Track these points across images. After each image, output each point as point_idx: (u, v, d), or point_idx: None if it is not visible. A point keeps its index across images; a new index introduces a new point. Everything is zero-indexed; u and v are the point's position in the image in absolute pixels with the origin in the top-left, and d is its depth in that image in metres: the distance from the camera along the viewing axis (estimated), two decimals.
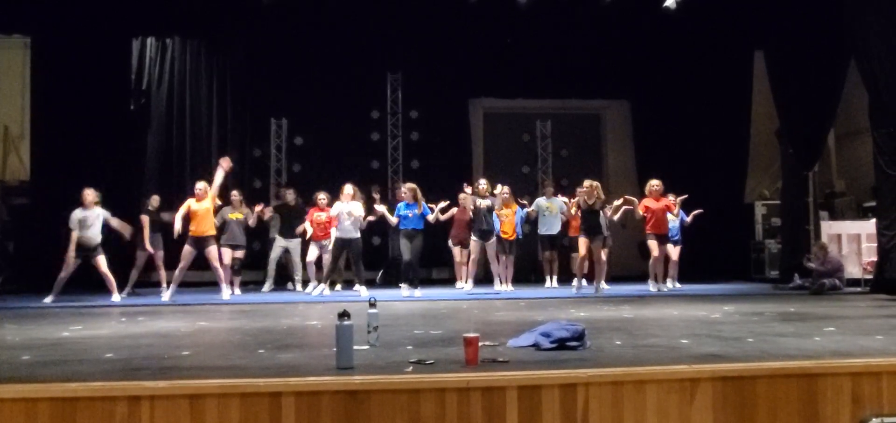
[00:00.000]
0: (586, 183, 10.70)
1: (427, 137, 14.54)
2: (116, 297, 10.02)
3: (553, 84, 14.39)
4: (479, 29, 13.30)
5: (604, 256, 10.87)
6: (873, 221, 10.71)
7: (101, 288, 10.80)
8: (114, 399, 3.49)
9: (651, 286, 10.96)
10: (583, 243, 10.68)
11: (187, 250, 10.09)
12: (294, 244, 11.76)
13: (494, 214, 10.96)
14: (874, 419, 3.74)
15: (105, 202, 11.20)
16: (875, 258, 10.42)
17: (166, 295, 10.13)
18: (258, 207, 11.39)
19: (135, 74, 13.74)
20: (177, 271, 10.13)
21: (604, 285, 10.93)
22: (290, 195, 11.91)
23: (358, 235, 10.65)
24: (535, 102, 15.07)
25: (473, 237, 10.88)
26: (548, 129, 15.25)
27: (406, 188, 10.78)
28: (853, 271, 11.42)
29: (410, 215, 10.51)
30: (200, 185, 10.33)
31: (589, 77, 14.41)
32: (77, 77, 12.40)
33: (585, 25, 13.38)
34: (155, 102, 13.99)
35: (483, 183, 11.05)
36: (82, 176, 10.63)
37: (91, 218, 9.96)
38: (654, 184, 11.22)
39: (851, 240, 11.71)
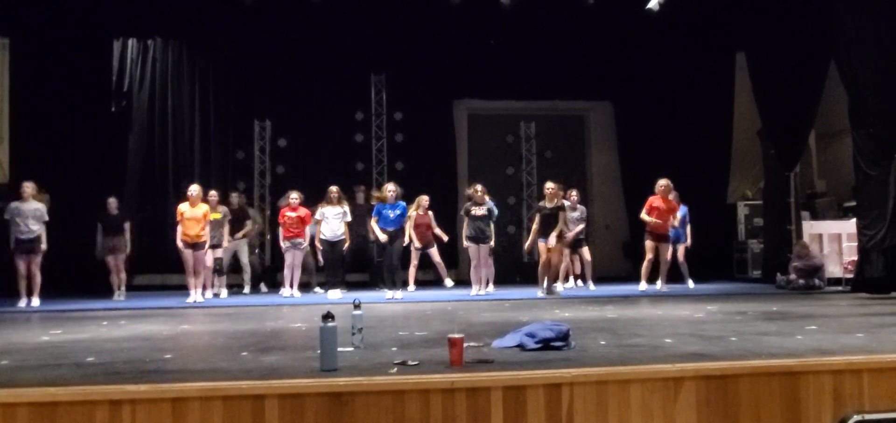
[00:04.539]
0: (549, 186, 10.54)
1: (411, 139, 14.52)
2: (24, 303, 9.77)
3: (537, 85, 14.43)
4: (463, 30, 13.31)
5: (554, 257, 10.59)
6: (854, 220, 10.80)
7: (87, 292, 10.76)
8: (94, 403, 3.45)
9: (640, 286, 10.90)
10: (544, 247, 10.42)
11: (189, 254, 10.20)
12: (241, 245, 11.83)
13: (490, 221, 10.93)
14: (855, 417, 3.77)
15: (86, 204, 11.11)
16: (855, 258, 10.52)
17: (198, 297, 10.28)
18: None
19: (116, 76, 13.62)
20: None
21: (558, 287, 10.87)
22: (234, 198, 12.01)
23: (344, 236, 10.94)
24: (519, 104, 15.08)
25: (468, 243, 10.91)
26: (532, 130, 15.27)
27: (393, 188, 10.62)
28: (834, 270, 11.53)
29: (392, 215, 10.41)
30: (194, 189, 10.36)
31: (573, 78, 14.47)
32: (58, 79, 12.27)
33: (569, 27, 13.43)
34: (136, 103, 13.86)
35: (479, 188, 10.92)
36: (63, 179, 10.52)
37: (26, 211, 9.74)
38: (662, 183, 10.95)
39: (832, 239, 11.82)
